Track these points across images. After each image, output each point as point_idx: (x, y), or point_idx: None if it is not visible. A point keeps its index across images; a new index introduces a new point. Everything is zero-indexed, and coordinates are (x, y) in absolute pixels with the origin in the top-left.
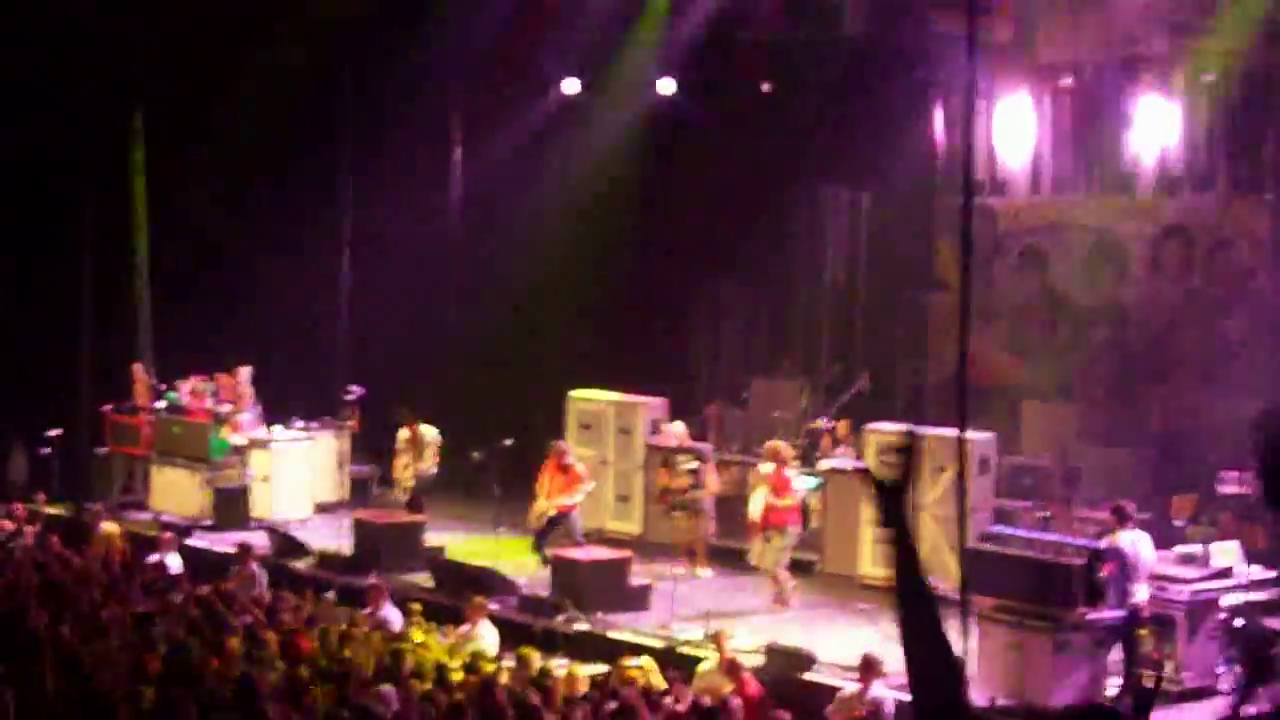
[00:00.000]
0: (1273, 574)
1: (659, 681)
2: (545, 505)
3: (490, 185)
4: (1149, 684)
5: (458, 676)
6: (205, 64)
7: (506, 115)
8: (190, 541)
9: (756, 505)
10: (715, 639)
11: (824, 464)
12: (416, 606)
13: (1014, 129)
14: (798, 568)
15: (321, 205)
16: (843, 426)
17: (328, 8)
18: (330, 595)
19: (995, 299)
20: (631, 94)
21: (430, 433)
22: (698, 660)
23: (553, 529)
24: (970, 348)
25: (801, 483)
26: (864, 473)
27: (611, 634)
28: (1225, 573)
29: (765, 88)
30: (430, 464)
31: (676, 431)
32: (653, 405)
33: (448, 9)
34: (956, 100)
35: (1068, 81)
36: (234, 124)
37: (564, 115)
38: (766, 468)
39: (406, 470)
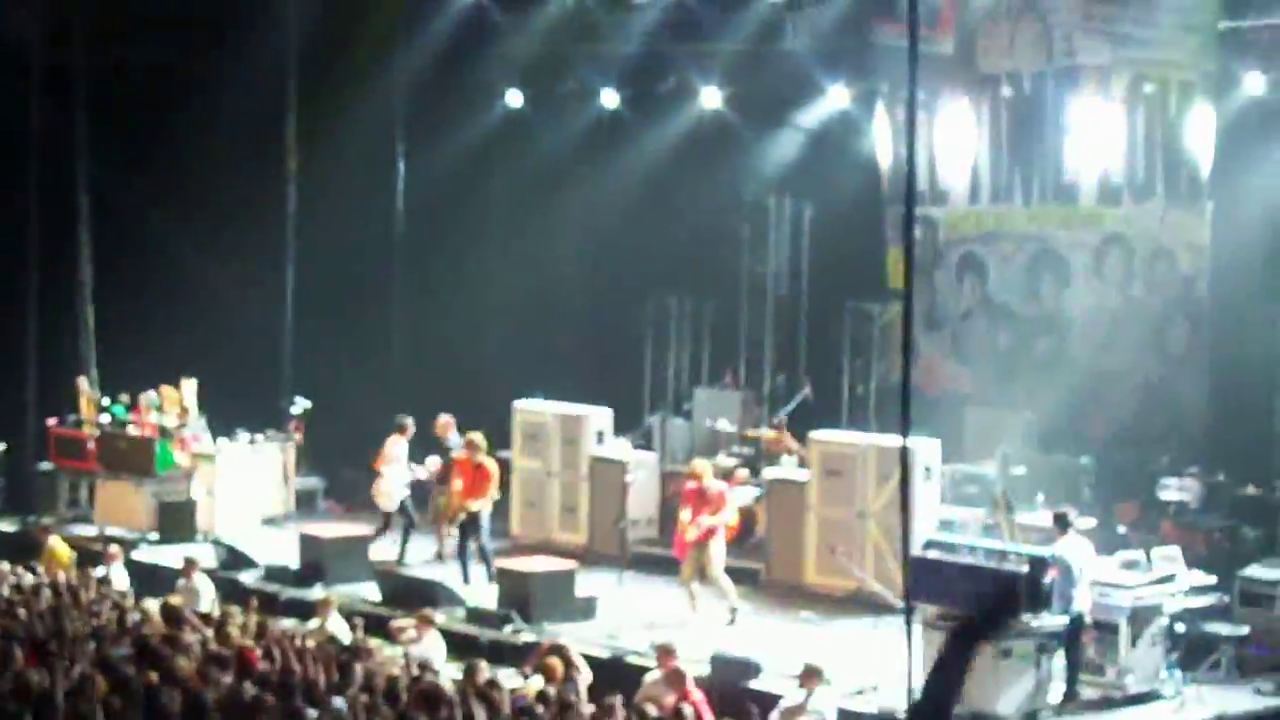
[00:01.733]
0: (1213, 580)
1: (579, 663)
2: (456, 504)
3: (434, 196)
4: None
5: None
6: (151, 75)
7: (450, 125)
8: (136, 555)
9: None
10: (661, 651)
11: (768, 473)
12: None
13: (955, 139)
14: (743, 577)
15: (266, 216)
16: (780, 435)
17: (275, 20)
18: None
19: (937, 307)
20: (574, 106)
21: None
22: (643, 670)
23: (467, 537)
24: (922, 355)
25: (743, 494)
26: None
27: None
28: (1167, 579)
29: (711, 100)
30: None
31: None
32: (597, 416)
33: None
34: (901, 111)
35: (1007, 92)
36: (179, 136)
37: (507, 127)
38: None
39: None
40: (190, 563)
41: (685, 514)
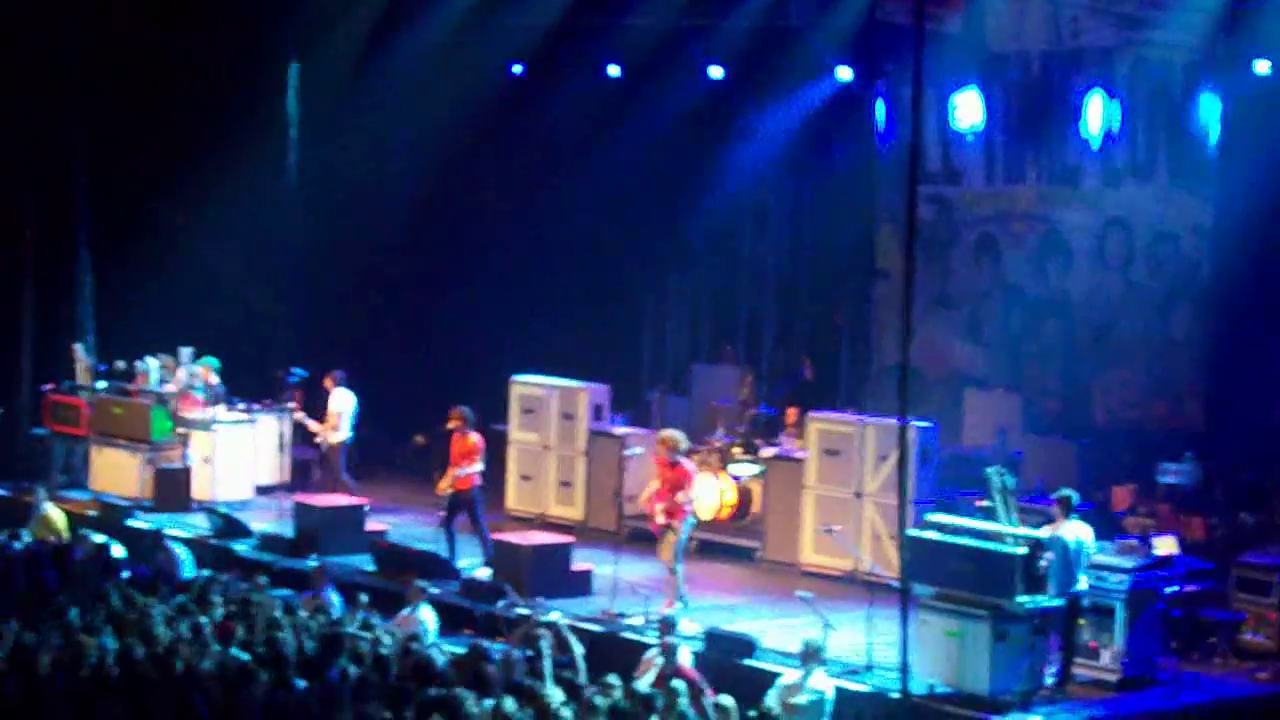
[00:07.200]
0: (1209, 565)
1: (572, 639)
2: (446, 478)
3: (435, 168)
4: None
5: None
6: (144, 47)
7: (451, 97)
8: (130, 522)
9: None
10: (660, 627)
11: (766, 451)
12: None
13: (966, 118)
14: (739, 555)
15: (266, 187)
16: (791, 414)
17: None
18: None
19: (952, 287)
20: (576, 80)
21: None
22: (638, 645)
23: (456, 508)
24: (924, 335)
25: (742, 469)
26: None
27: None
28: (1164, 563)
29: (715, 73)
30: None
31: None
32: (595, 391)
33: None
34: (907, 90)
35: (1015, 72)
36: (177, 101)
37: (508, 100)
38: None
39: None
40: (158, 534)
41: (653, 485)
